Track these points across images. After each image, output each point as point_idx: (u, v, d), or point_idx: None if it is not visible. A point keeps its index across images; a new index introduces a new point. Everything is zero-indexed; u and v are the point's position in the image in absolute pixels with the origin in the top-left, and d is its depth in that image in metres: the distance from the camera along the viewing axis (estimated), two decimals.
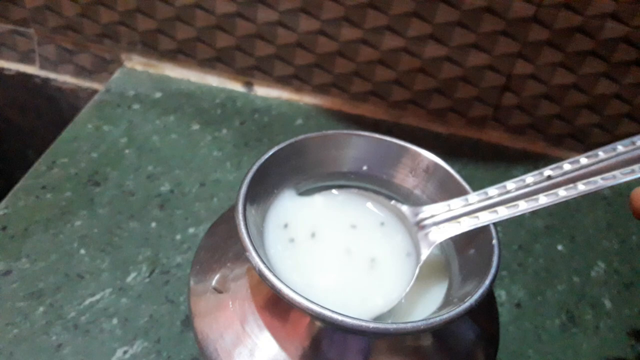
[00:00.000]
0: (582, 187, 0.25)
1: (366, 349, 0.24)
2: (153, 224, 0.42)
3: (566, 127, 0.52)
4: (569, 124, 0.52)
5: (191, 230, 0.42)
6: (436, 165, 0.29)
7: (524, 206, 0.26)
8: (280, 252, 0.27)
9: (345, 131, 0.30)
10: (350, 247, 0.28)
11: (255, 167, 0.27)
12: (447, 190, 0.29)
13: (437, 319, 0.22)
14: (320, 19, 0.49)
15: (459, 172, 0.29)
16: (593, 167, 0.25)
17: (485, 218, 0.26)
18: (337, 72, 0.53)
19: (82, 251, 0.39)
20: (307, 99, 0.55)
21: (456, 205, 0.27)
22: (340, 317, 0.21)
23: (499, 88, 0.51)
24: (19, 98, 0.60)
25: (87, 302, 0.36)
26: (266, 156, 0.28)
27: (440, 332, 0.25)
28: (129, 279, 0.38)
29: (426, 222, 0.28)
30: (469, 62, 0.50)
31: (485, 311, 0.28)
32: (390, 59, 0.51)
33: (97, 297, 0.37)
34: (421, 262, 0.27)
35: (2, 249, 0.39)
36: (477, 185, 0.28)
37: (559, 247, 0.45)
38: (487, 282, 0.24)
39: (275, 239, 0.28)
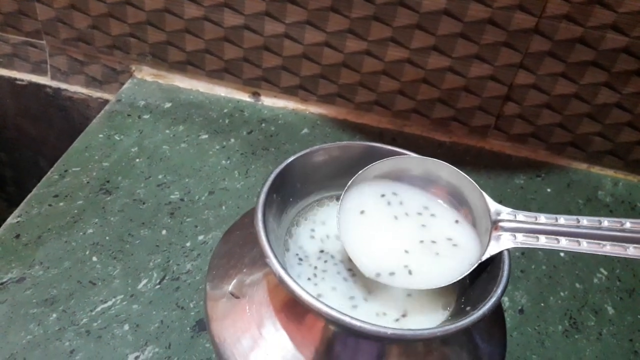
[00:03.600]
0: None
1: (380, 353, 0.25)
2: (163, 232, 0.43)
3: (568, 135, 0.53)
4: (570, 132, 0.53)
5: (201, 237, 0.43)
6: (450, 174, 0.30)
7: (608, 249, 0.25)
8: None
9: (358, 142, 0.30)
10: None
11: (273, 175, 0.27)
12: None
13: (453, 326, 0.23)
14: (326, 31, 0.50)
15: None
16: None
17: (565, 245, 0.25)
18: (342, 83, 0.54)
19: (94, 258, 0.40)
20: (313, 109, 0.56)
21: (543, 220, 0.26)
22: (358, 323, 0.22)
23: (501, 98, 0.52)
24: (31, 108, 0.61)
25: (99, 308, 0.37)
26: (284, 164, 0.28)
27: (451, 339, 0.26)
28: (140, 285, 0.39)
29: (505, 224, 0.27)
30: (471, 72, 0.50)
31: (493, 318, 0.29)
32: (394, 70, 0.52)
33: (109, 303, 0.38)
34: (482, 260, 0.26)
35: (16, 257, 0.40)
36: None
37: (562, 254, 0.46)
38: (500, 290, 0.24)
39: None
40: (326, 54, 0.52)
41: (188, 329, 0.37)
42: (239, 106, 0.56)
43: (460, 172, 0.28)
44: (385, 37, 0.50)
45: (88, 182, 0.46)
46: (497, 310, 0.29)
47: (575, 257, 0.46)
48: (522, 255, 0.45)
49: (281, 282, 0.23)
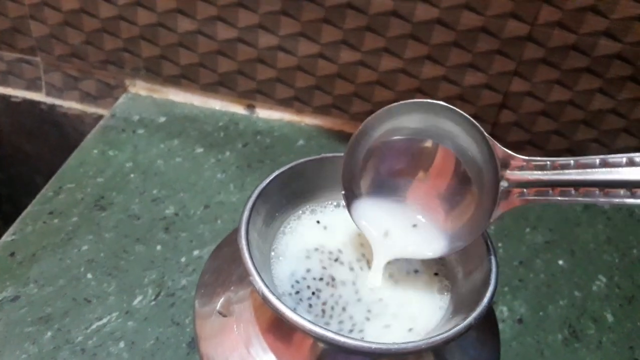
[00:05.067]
0: None
1: None
2: (158, 247, 0.42)
3: (564, 142, 0.53)
4: (566, 139, 0.53)
5: (196, 252, 0.42)
6: None
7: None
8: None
9: (342, 154, 0.30)
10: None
11: (256, 192, 0.28)
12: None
13: (438, 338, 0.23)
14: (320, 43, 0.50)
15: None
16: None
17: (580, 196, 0.23)
18: (336, 94, 0.54)
19: (89, 275, 0.40)
20: (308, 120, 0.56)
21: (558, 167, 0.24)
22: (342, 339, 0.22)
23: (496, 106, 0.52)
24: (26, 124, 0.61)
25: (94, 326, 0.37)
26: (267, 180, 0.28)
27: (442, 348, 0.26)
28: (135, 302, 0.39)
29: (512, 176, 0.24)
30: (466, 81, 0.50)
31: (485, 326, 0.29)
32: (388, 80, 0.52)
33: (104, 320, 0.37)
34: (492, 220, 0.25)
35: (11, 275, 0.39)
36: None
37: (560, 262, 0.45)
38: (486, 300, 0.24)
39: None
40: (320, 65, 0.52)
41: (184, 345, 0.36)
42: (234, 119, 0.56)
43: (467, 116, 0.25)
44: (379, 48, 0.50)
45: (82, 199, 0.46)
46: (489, 318, 0.29)
47: (574, 265, 0.45)
48: (520, 264, 0.45)
49: (264, 299, 0.23)
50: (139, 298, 0.39)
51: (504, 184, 0.25)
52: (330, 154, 0.31)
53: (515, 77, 0.50)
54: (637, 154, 0.22)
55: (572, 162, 0.23)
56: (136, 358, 0.35)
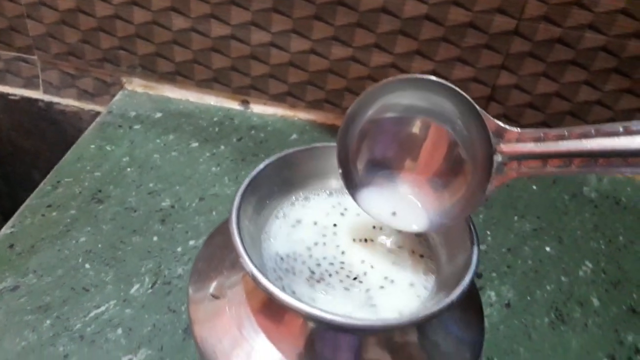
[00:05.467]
0: None
1: (357, 345, 0.26)
2: (155, 238, 0.43)
3: None
4: None
5: (192, 242, 0.43)
6: None
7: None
8: None
9: (332, 144, 0.31)
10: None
11: (248, 180, 0.29)
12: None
13: (420, 315, 0.23)
14: (311, 39, 0.52)
15: None
16: None
17: (577, 168, 0.22)
18: (329, 89, 0.55)
19: (87, 265, 0.41)
20: (302, 115, 0.57)
21: (552, 138, 0.23)
22: (329, 316, 0.23)
23: (484, 98, 0.53)
24: (24, 122, 0.62)
25: (92, 313, 0.38)
26: (258, 169, 0.29)
27: (426, 327, 0.27)
28: (133, 290, 0.40)
29: (506, 148, 0.24)
30: (454, 75, 0.52)
31: (470, 308, 0.30)
32: (380, 75, 0.53)
33: (102, 308, 0.38)
34: (488, 194, 0.25)
35: (10, 266, 0.40)
36: None
37: (547, 249, 0.46)
38: (467, 279, 0.25)
39: None
40: (312, 61, 0.53)
41: (180, 331, 0.37)
42: (229, 114, 0.57)
43: (458, 90, 0.25)
44: (370, 43, 0.51)
45: (80, 192, 0.47)
46: (474, 300, 0.30)
47: (561, 251, 0.46)
48: (509, 251, 0.46)
49: (254, 280, 0.24)
50: (136, 286, 0.40)
51: (497, 157, 0.24)
52: (320, 144, 0.32)
53: (503, 70, 0.51)
54: (634, 122, 0.21)
55: (566, 132, 0.23)
56: (133, 344, 0.36)
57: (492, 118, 0.24)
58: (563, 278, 0.44)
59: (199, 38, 0.53)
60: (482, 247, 0.46)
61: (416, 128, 0.28)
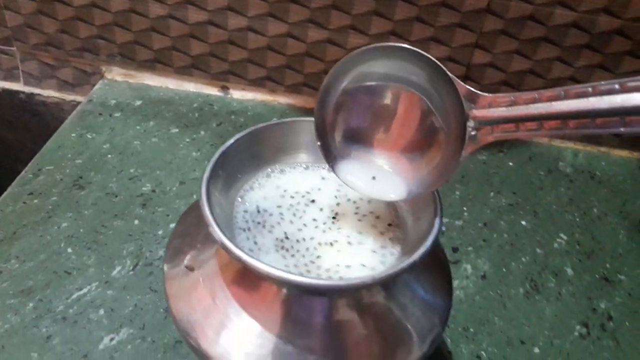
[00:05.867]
0: None
1: (328, 308, 0.27)
2: (136, 222, 0.44)
3: None
4: None
5: (172, 225, 0.44)
6: None
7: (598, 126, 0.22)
8: None
9: (301, 118, 0.32)
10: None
11: (218, 153, 0.29)
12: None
13: (383, 274, 0.24)
14: (288, 22, 0.52)
15: None
16: None
17: (548, 131, 0.23)
18: (307, 72, 0.55)
19: (69, 250, 0.41)
20: (281, 99, 0.58)
21: (522, 101, 0.23)
22: (293, 277, 0.24)
23: (460, 77, 0.53)
24: (6, 115, 0.62)
25: (74, 295, 0.39)
26: (229, 143, 0.30)
27: (393, 289, 0.28)
28: (114, 272, 0.40)
29: (479, 113, 0.24)
30: (430, 54, 0.52)
31: (438, 273, 0.30)
32: None
33: (84, 290, 0.39)
34: (462, 159, 0.25)
35: None
36: None
37: (523, 223, 0.47)
38: (430, 239, 0.26)
39: None
40: (290, 44, 0.54)
41: (161, 310, 0.38)
42: (209, 100, 0.57)
43: (429, 57, 0.25)
44: (345, 25, 0.52)
45: (62, 179, 0.47)
46: (441, 263, 0.31)
47: (537, 225, 0.47)
48: (484, 225, 0.47)
49: (223, 247, 0.24)
50: (118, 269, 0.41)
51: (470, 123, 0.25)
52: (290, 119, 0.32)
53: (477, 49, 0.52)
54: (602, 82, 0.22)
55: (537, 95, 0.23)
56: (115, 324, 0.37)
57: (463, 84, 0.25)
58: (538, 250, 0.45)
59: (177, 24, 0.54)
60: (459, 222, 0.47)
61: (389, 98, 0.29)
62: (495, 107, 0.24)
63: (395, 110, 0.29)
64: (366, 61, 0.28)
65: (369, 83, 0.28)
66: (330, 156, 0.29)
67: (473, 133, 0.25)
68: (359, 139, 0.30)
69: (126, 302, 0.38)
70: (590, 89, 0.22)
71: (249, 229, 0.29)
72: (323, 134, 0.29)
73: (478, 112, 0.25)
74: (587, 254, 0.46)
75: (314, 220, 0.30)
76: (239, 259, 0.24)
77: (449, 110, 0.26)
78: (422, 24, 0.51)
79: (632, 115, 0.21)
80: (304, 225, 0.30)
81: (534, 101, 0.23)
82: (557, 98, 0.23)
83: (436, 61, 0.25)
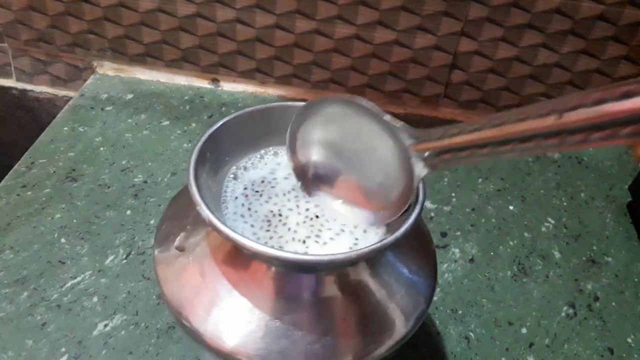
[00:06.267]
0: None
1: (314, 285, 0.27)
2: (128, 212, 0.45)
3: (514, 98, 0.56)
4: (516, 95, 0.55)
5: None
6: None
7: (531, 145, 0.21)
8: None
9: (287, 103, 0.33)
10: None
11: (205, 136, 0.30)
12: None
13: (367, 249, 0.25)
14: (275, 13, 0.53)
15: None
16: None
17: (487, 152, 0.23)
18: (296, 63, 0.56)
19: (63, 240, 0.42)
20: (272, 91, 0.58)
21: (466, 130, 0.24)
22: (278, 253, 0.24)
23: (447, 66, 0.54)
24: None
25: (68, 284, 0.39)
26: (216, 126, 0.31)
27: (378, 267, 0.28)
28: (107, 261, 0.41)
29: (423, 145, 0.25)
30: (416, 44, 0.53)
31: (422, 253, 0.31)
32: (344, 47, 0.54)
33: (78, 279, 0.40)
34: (416, 184, 0.26)
35: None
36: None
37: (511, 207, 0.48)
38: (413, 217, 0.26)
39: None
40: (278, 36, 0.54)
41: (154, 296, 0.39)
42: (199, 93, 0.58)
43: (371, 110, 0.26)
44: (333, 15, 0.52)
45: (55, 172, 0.48)
46: (426, 245, 0.31)
47: (524, 209, 0.48)
48: (472, 210, 0.47)
49: (212, 225, 0.25)
50: (111, 257, 0.41)
51: (420, 155, 0.26)
52: (275, 104, 0.33)
53: (463, 37, 0.52)
54: (501, 114, 0.22)
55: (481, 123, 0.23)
56: (109, 310, 0.38)
57: (401, 125, 0.26)
58: (526, 234, 0.46)
59: (166, 18, 0.54)
60: (447, 207, 0.48)
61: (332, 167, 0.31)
62: (443, 139, 0.25)
63: (345, 158, 0.30)
64: (319, 111, 0.29)
65: (321, 133, 0.30)
66: (306, 188, 0.31)
67: (421, 162, 0.26)
68: (324, 179, 0.31)
69: (119, 289, 0.39)
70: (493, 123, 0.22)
71: (245, 196, 0.30)
72: (299, 174, 0.31)
73: (422, 144, 0.25)
74: (574, 237, 0.46)
75: (307, 202, 0.31)
76: (227, 237, 0.25)
77: (392, 162, 0.28)
78: (408, 13, 0.51)
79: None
80: (296, 206, 0.31)
81: (481, 129, 0.23)
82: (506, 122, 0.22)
83: (377, 112, 0.27)
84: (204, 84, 0.59)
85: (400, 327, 0.28)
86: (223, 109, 0.56)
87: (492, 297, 0.41)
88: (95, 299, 0.38)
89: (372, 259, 0.28)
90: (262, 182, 0.32)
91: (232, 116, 0.31)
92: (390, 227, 0.29)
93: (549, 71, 0.53)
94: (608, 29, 0.50)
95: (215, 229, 0.25)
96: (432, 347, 0.38)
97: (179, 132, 0.53)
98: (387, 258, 0.29)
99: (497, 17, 0.50)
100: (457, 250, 0.44)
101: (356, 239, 0.29)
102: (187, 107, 0.56)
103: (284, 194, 0.31)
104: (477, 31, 0.52)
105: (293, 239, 0.29)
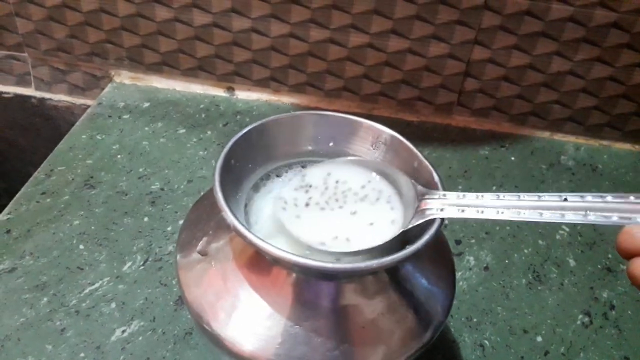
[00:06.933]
0: (592, 217, 0.25)
1: (334, 292, 0.27)
2: (145, 219, 0.45)
3: (527, 106, 0.56)
4: (530, 102, 0.56)
5: (181, 222, 0.45)
6: (392, 137, 0.33)
7: (526, 215, 0.26)
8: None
9: (311, 112, 0.33)
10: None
11: (230, 143, 0.30)
12: (402, 158, 0.32)
13: (388, 259, 0.25)
14: (290, 23, 0.53)
15: (428, 155, 0.32)
16: (615, 205, 0.24)
17: (490, 215, 0.26)
18: (310, 71, 0.56)
19: (81, 246, 0.43)
20: (286, 99, 0.59)
21: (470, 197, 0.27)
22: (299, 259, 0.24)
23: (461, 74, 0.54)
24: (18, 119, 0.64)
25: (87, 290, 0.40)
26: (241, 133, 0.31)
27: (399, 276, 0.28)
28: (125, 267, 0.41)
29: (431, 201, 0.28)
30: (430, 52, 0.53)
31: (441, 263, 0.31)
32: (358, 55, 0.55)
33: (96, 285, 0.40)
34: (407, 227, 0.28)
35: (7, 250, 0.42)
36: (446, 165, 0.31)
37: None
38: (433, 229, 0.27)
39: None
40: (292, 44, 0.55)
41: (171, 303, 0.39)
42: (215, 101, 0.58)
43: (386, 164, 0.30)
44: (346, 24, 0.53)
45: (73, 179, 0.48)
46: (446, 257, 0.32)
47: None
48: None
49: (235, 230, 0.25)
50: (129, 264, 0.42)
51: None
52: (299, 112, 0.33)
53: (476, 45, 0.52)
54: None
55: (485, 195, 0.27)
56: (127, 316, 0.38)
57: (417, 185, 0.29)
58: (540, 242, 0.46)
59: (183, 28, 0.55)
60: None
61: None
62: (445, 199, 0.28)
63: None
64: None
65: None
66: None
67: (421, 212, 0.28)
68: None
69: (137, 295, 0.40)
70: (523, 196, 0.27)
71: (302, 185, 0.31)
72: None
73: (429, 201, 0.28)
74: (589, 245, 0.46)
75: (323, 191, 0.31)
76: (250, 242, 0.25)
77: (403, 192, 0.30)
78: (421, 22, 0.52)
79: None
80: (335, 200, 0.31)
81: (477, 198, 0.27)
82: (497, 199, 0.27)
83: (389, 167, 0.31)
84: (219, 92, 0.59)
85: (419, 337, 0.28)
86: (238, 117, 0.57)
87: (507, 305, 0.41)
88: (113, 305, 0.39)
89: (393, 268, 0.28)
90: (295, 189, 0.32)
91: (257, 124, 0.32)
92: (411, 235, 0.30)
93: (563, 79, 0.53)
94: (622, 36, 0.50)
95: (239, 234, 0.25)
96: (448, 354, 0.38)
97: (194, 140, 0.53)
98: (406, 268, 0.29)
99: (510, 26, 0.51)
100: (471, 258, 0.44)
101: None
102: (203, 116, 0.56)
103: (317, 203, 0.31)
104: (491, 39, 0.52)
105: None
